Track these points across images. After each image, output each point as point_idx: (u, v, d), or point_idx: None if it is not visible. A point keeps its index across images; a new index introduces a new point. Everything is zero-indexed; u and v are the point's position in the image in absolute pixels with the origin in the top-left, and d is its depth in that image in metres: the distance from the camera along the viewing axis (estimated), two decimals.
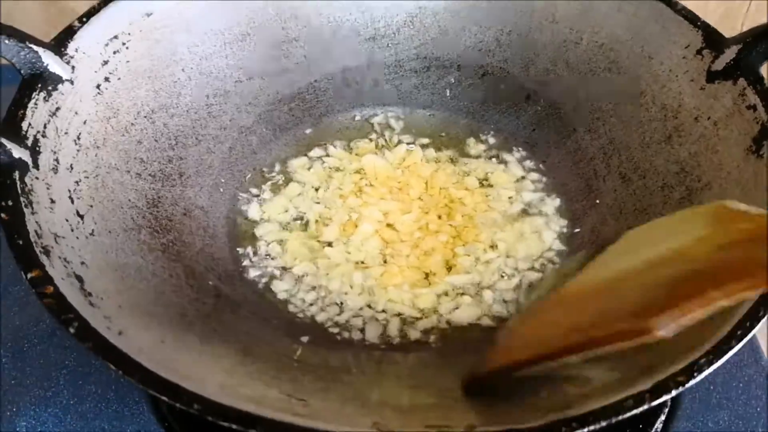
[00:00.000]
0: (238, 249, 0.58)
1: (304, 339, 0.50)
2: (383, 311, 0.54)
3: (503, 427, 0.34)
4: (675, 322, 0.34)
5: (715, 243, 0.38)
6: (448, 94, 0.70)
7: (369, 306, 0.54)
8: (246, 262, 0.57)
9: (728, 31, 0.53)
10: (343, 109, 0.69)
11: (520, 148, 0.66)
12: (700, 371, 0.36)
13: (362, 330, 0.53)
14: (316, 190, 0.63)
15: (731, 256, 0.37)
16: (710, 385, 0.54)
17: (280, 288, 0.55)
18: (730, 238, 0.38)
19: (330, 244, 0.59)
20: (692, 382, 0.35)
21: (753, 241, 0.37)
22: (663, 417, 0.51)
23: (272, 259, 0.57)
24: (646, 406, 0.35)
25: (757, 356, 0.57)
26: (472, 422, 0.35)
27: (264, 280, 0.56)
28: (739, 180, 0.49)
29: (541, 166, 0.65)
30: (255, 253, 0.58)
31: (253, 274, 0.56)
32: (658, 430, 0.51)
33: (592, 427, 0.34)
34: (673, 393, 0.35)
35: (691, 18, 0.56)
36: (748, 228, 0.38)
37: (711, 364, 0.36)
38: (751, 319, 0.38)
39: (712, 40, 0.54)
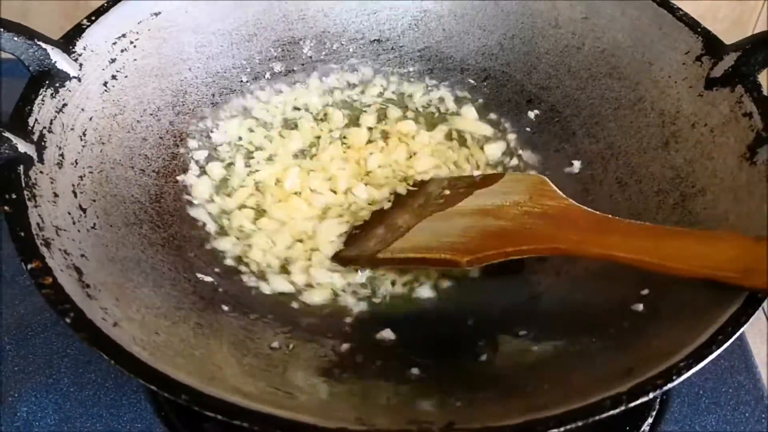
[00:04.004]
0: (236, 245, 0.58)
1: (298, 335, 0.50)
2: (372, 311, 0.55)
3: (482, 424, 0.35)
4: (476, 263, 0.51)
5: (524, 209, 0.52)
6: (450, 97, 0.70)
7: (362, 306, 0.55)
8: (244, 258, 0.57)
9: (739, 37, 0.53)
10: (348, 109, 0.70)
11: (519, 151, 0.67)
12: (679, 375, 0.36)
13: (354, 330, 0.53)
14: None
15: (529, 223, 0.51)
16: (699, 389, 0.55)
17: (275, 284, 0.55)
18: (535, 209, 0.52)
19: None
20: (670, 385, 0.36)
21: (547, 217, 0.51)
22: (650, 420, 0.51)
23: (266, 256, 0.58)
24: (623, 408, 0.35)
25: (748, 363, 0.57)
26: (451, 419, 0.36)
27: (260, 275, 0.56)
28: (733, 186, 0.49)
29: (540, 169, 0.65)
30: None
31: (250, 269, 0.56)
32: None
33: (569, 426, 0.34)
34: (651, 395, 0.36)
35: (692, 24, 0.56)
36: (550, 205, 0.52)
37: (690, 368, 0.37)
38: (732, 325, 0.38)
39: (712, 46, 0.54)
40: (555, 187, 0.53)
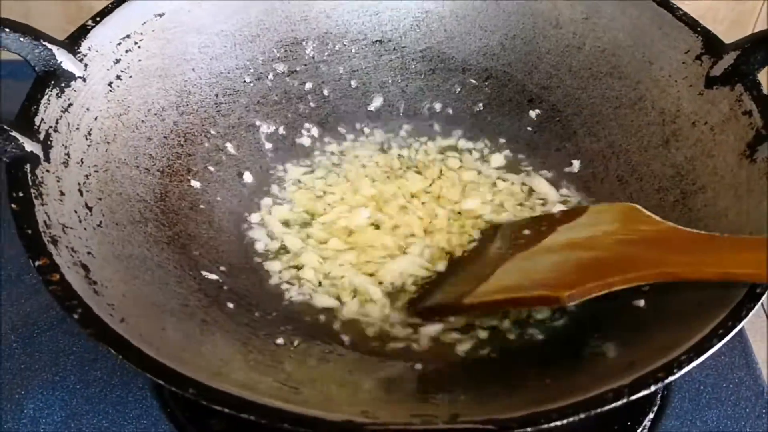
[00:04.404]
0: (242, 243, 0.59)
1: (303, 331, 0.51)
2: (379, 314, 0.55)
3: (485, 417, 0.35)
4: (578, 297, 0.45)
5: (617, 237, 0.48)
6: (452, 97, 0.71)
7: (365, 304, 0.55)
8: (250, 256, 0.58)
9: (739, 38, 0.54)
10: (350, 110, 0.70)
11: (520, 150, 0.67)
12: (680, 368, 0.37)
13: (358, 330, 0.53)
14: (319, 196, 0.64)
15: (628, 250, 0.47)
16: (700, 385, 0.55)
17: (281, 280, 0.56)
18: (631, 236, 0.48)
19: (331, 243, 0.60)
20: (671, 378, 0.36)
21: (647, 242, 0.46)
22: (651, 415, 0.52)
23: (275, 254, 0.58)
24: (625, 400, 0.36)
25: (748, 359, 0.57)
26: (456, 412, 0.36)
27: (266, 273, 0.57)
28: (733, 184, 0.50)
29: (540, 168, 0.66)
30: (258, 248, 0.59)
31: (255, 267, 0.57)
32: (647, 427, 0.52)
33: (572, 419, 0.35)
34: (652, 388, 0.36)
35: (692, 24, 0.57)
36: (646, 230, 0.48)
37: (691, 361, 0.37)
38: (732, 319, 0.39)
39: (712, 45, 0.55)
40: (648, 212, 0.50)
